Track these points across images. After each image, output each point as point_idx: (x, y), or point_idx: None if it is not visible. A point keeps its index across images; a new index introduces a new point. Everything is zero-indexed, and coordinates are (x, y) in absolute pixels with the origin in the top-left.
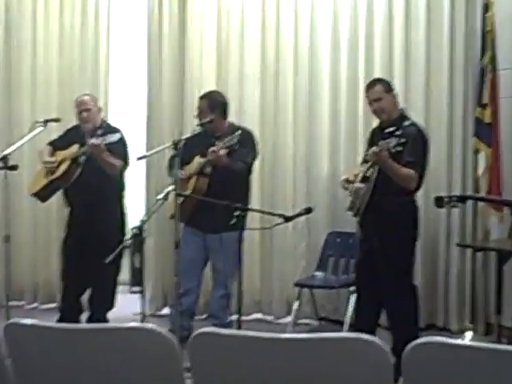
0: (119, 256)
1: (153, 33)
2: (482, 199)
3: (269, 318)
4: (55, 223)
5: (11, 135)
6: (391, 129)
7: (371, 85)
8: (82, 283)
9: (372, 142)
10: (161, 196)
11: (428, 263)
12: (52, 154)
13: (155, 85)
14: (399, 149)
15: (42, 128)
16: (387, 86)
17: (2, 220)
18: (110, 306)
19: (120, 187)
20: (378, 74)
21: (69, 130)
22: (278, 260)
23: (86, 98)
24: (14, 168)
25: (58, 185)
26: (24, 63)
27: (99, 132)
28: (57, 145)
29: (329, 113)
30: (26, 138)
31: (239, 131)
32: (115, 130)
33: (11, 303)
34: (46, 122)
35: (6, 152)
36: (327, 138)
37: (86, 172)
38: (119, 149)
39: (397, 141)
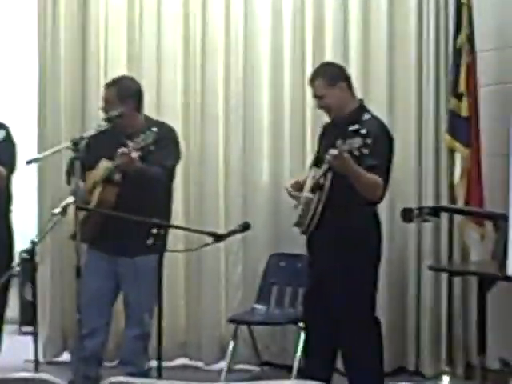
0: (5, 287)
1: (44, 7)
2: (459, 211)
3: (197, 363)
4: None
5: None
6: (356, 126)
7: (311, 79)
8: None
9: (324, 140)
10: (57, 210)
11: (394, 292)
12: None
13: (48, 71)
14: (365, 151)
15: None
16: (331, 79)
17: None
18: None
19: (5, 199)
20: (329, 57)
21: None
22: (208, 290)
23: None
24: None
25: None
26: None
27: None
28: None
29: (269, 104)
30: None
31: (156, 128)
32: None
33: None
34: None
35: None
36: (267, 136)
37: None
38: (4, 149)
39: (362, 141)
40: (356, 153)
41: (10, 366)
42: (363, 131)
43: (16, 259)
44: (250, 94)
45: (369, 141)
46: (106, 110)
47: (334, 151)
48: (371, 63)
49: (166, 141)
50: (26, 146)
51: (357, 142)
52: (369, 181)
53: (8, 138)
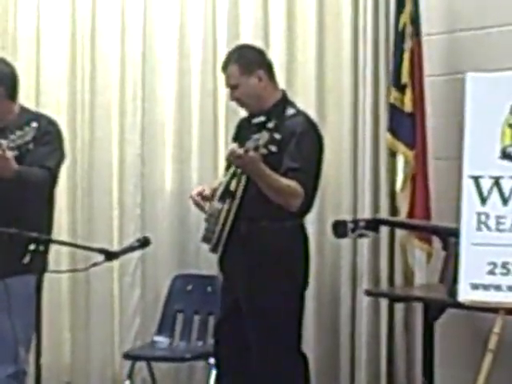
0: None
1: None
2: (401, 225)
3: None
4: None
5: None
6: (261, 118)
7: (223, 65)
8: None
9: (239, 139)
10: None
11: (325, 321)
12: None
13: None
14: (273, 149)
15: None
16: (247, 66)
17: None
18: None
19: None
20: (247, 38)
21: None
22: (99, 319)
23: None
24: None
25: None
26: None
27: None
28: None
29: (173, 94)
30: None
31: (35, 122)
32: None
33: None
34: None
35: None
36: (171, 133)
37: None
38: None
39: (269, 137)
40: (263, 151)
41: None
42: (270, 125)
43: None
44: (150, 81)
45: (277, 136)
46: None
47: (233, 148)
48: (297, 47)
49: (47, 137)
50: None
51: (263, 137)
52: (281, 185)
53: None
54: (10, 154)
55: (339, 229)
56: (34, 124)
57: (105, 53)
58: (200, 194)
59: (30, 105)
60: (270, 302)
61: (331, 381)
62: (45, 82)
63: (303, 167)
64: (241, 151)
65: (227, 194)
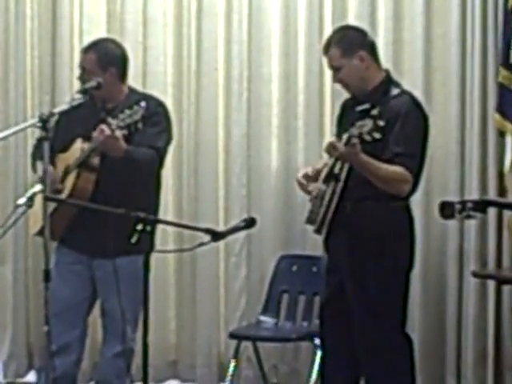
0: None
1: None
2: (510, 206)
3: None
4: None
5: None
6: (365, 106)
7: (325, 47)
8: None
9: (344, 121)
10: (21, 201)
11: (431, 303)
12: None
13: (12, 33)
14: (377, 136)
15: None
16: (348, 47)
17: None
18: None
19: None
20: (352, 19)
21: None
22: (204, 298)
23: None
24: None
25: None
26: None
27: None
28: None
29: (279, 75)
30: None
31: (144, 102)
32: None
33: None
34: None
35: None
36: (277, 113)
37: None
38: None
39: (373, 124)
40: (366, 137)
41: None
42: (374, 112)
43: None
44: (256, 61)
45: (381, 123)
46: (83, 80)
47: (332, 141)
48: (403, 26)
49: (155, 117)
50: None
51: (366, 124)
52: (388, 174)
53: None
54: (119, 133)
55: (446, 210)
56: (143, 104)
57: (211, 34)
58: (305, 176)
59: (137, 86)
60: (373, 282)
61: (437, 362)
62: (151, 64)
63: (409, 151)
64: (339, 144)
65: (332, 176)
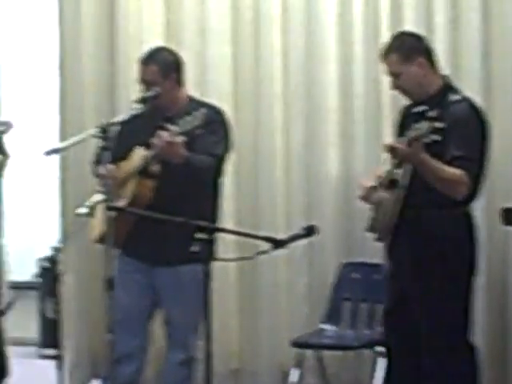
0: None
1: None
2: None
3: None
4: None
5: None
6: (421, 108)
7: (384, 53)
8: None
9: (403, 126)
10: (83, 210)
11: (495, 311)
12: None
13: (69, 44)
14: (435, 138)
15: None
16: (407, 53)
17: None
18: (0, 375)
19: None
20: (409, 24)
21: None
22: (266, 307)
23: None
24: None
25: None
26: None
27: None
28: None
29: (337, 81)
30: None
31: (203, 109)
32: None
33: None
34: None
35: None
36: (335, 120)
37: None
38: None
39: (430, 126)
40: (426, 141)
41: None
42: (431, 113)
43: (35, 269)
44: (313, 68)
45: (439, 124)
46: (147, 90)
47: (393, 142)
48: (461, 31)
49: (214, 125)
50: (46, 135)
51: (423, 126)
52: (448, 175)
53: None
54: (179, 140)
55: (509, 216)
56: (202, 110)
57: (267, 42)
58: (366, 187)
59: (196, 95)
60: (436, 290)
61: (502, 371)
62: (209, 73)
63: (468, 155)
64: (399, 145)
65: (392, 183)
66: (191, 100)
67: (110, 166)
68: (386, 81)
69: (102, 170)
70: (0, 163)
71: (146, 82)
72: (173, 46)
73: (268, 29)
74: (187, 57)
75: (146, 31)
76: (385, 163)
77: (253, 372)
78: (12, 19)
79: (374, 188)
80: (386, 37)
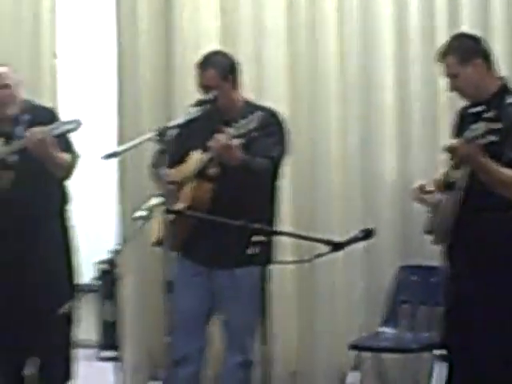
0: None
1: None
2: None
3: None
4: None
5: None
6: (478, 109)
7: (441, 54)
8: (18, 352)
9: (461, 127)
10: (140, 214)
11: None
12: None
13: (127, 50)
14: (492, 138)
15: None
16: (464, 55)
17: None
18: (64, 379)
19: (62, 199)
20: (465, 25)
21: None
22: (324, 309)
23: (1, 69)
24: None
25: None
26: None
27: (26, 117)
28: None
29: (393, 84)
30: None
31: (259, 112)
32: (52, 114)
33: None
34: None
35: None
36: (392, 123)
37: (17, 179)
38: (61, 138)
39: (487, 127)
40: (483, 141)
41: None
42: (488, 114)
43: (93, 272)
44: (369, 71)
45: (496, 125)
46: (206, 93)
47: (452, 143)
48: None
49: (271, 128)
50: (104, 139)
51: (480, 127)
52: (506, 177)
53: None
54: (235, 142)
55: None
56: (258, 113)
57: (323, 43)
58: (421, 188)
59: (251, 98)
60: (495, 293)
61: None
62: (265, 76)
63: None
64: (457, 144)
65: (450, 184)
66: (247, 103)
67: (168, 170)
68: (442, 82)
69: (160, 173)
70: (70, 163)
71: (206, 87)
72: (229, 50)
73: (324, 30)
74: (243, 60)
75: (202, 35)
76: (442, 165)
77: (311, 375)
78: (71, 27)
79: (424, 189)
80: (442, 38)
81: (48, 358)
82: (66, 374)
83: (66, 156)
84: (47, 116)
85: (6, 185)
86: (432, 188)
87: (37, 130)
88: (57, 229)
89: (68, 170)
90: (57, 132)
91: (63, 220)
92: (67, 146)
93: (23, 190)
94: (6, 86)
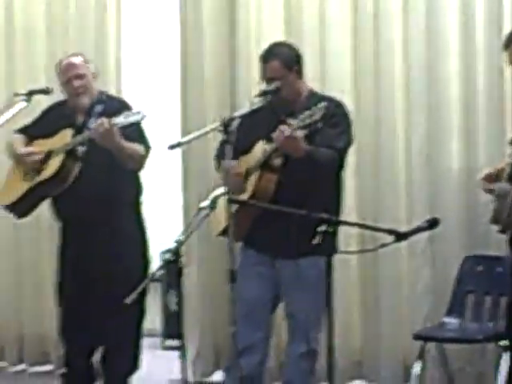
0: (142, 295)
1: None
2: None
3: None
4: (48, 250)
5: None
6: None
7: (505, 44)
8: (90, 338)
9: None
10: (205, 203)
11: None
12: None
13: (191, 41)
14: None
15: (24, 103)
16: None
17: None
18: (133, 368)
19: (135, 190)
20: None
21: (48, 111)
22: (388, 299)
23: (76, 59)
24: None
25: (47, 190)
26: None
27: (99, 108)
28: (33, 132)
29: (458, 73)
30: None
31: (324, 103)
32: (124, 105)
33: None
34: (31, 93)
35: None
36: (457, 112)
37: (86, 170)
38: (135, 130)
39: None
40: None
41: None
42: None
43: (157, 262)
44: (434, 61)
45: None
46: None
47: None
48: None
49: (335, 118)
50: (168, 129)
51: None
52: None
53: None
54: (299, 134)
55: None
56: (323, 104)
57: (387, 34)
58: (487, 176)
59: (316, 89)
60: None
61: None
62: (329, 66)
63: None
64: None
65: None
66: (312, 93)
67: (233, 160)
68: (509, 72)
69: (224, 164)
70: (142, 155)
71: (270, 79)
72: (293, 41)
73: (388, 22)
74: (307, 51)
75: (266, 26)
76: (508, 155)
77: (375, 365)
78: (134, 15)
79: (493, 177)
80: (508, 26)
81: (117, 346)
82: (134, 363)
83: (137, 147)
84: (118, 107)
85: (73, 177)
86: (496, 174)
87: (102, 121)
88: (131, 219)
89: (140, 161)
90: (121, 123)
91: (137, 210)
92: (139, 138)
93: (94, 181)
94: (80, 77)
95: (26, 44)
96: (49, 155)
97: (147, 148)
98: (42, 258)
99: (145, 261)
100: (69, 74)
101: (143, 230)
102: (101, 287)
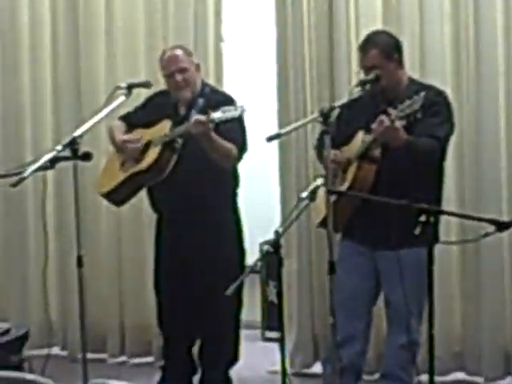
0: (239, 285)
1: None
2: None
3: (477, 379)
4: (149, 242)
5: (80, 108)
6: None
7: None
8: (190, 330)
9: None
10: (305, 194)
11: None
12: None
13: (289, 31)
14: None
15: (123, 98)
16: None
17: (72, 234)
18: (233, 359)
19: (233, 181)
20: None
21: (151, 99)
22: (489, 289)
23: (179, 52)
24: (87, 157)
25: (143, 180)
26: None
27: (201, 101)
28: (134, 121)
29: None
30: (102, 113)
31: (423, 92)
32: (227, 98)
33: (89, 356)
34: (131, 87)
35: (75, 134)
36: None
37: (184, 162)
38: (234, 127)
39: None
40: None
41: (251, 377)
42: None
43: (256, 253)
44: None
45: None
46: (367, 74)
47: None
48: None
49: (436, 107)
50: (266, 121)
51: None
52: None
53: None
54: (398, 124)
55: None
56: (422, 93)
57: (489, 20)
58: None
59: (416, 77)
60: None
61: None
62: (429, 53)
63: None
64: None
65: None
66: (413, 82)
67: (334, 151)
68: None
69: (326, 154)
70: (233, 157)
71: (369, 68)
72: (392, 29)
73: (489, 6)
74: (407, 39)
75: (364, 15)
76: None
77: (475, 355)
78: (236, 9)
79: None
80: None
81: (217, 338)
82: (234, 355)
83: (230, 147)
84: (221, 101)
85: (170, 168)
86: None
87: (199, 116)
88: (229, 211)
89: (230, 162)
90: (218, 118)
91: (234, 202)
92: (236, 136)
93: (191, 173)
94: (183, 71)
95: (127, 42)
96: (148, 145)
97: (242, 148)
98: (143, 249)
99: (241, 252)
100: (171, 68)
101: (239, 221)
102: (199, 278)
